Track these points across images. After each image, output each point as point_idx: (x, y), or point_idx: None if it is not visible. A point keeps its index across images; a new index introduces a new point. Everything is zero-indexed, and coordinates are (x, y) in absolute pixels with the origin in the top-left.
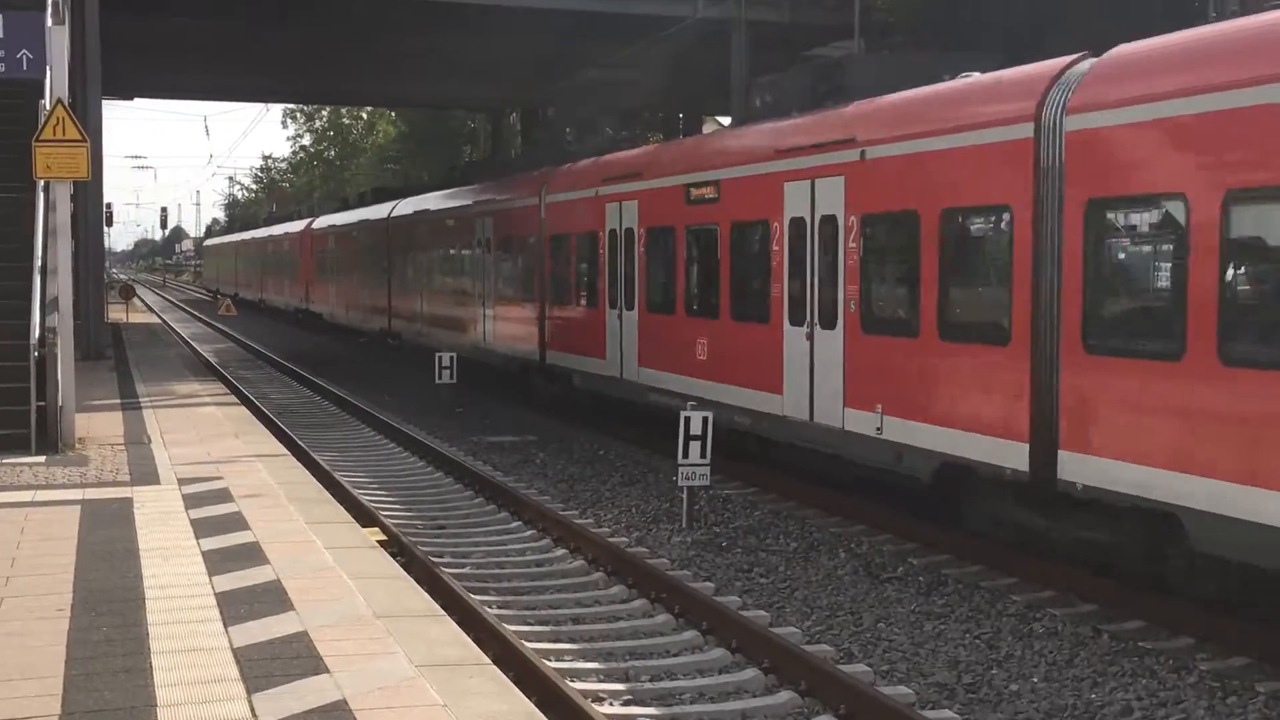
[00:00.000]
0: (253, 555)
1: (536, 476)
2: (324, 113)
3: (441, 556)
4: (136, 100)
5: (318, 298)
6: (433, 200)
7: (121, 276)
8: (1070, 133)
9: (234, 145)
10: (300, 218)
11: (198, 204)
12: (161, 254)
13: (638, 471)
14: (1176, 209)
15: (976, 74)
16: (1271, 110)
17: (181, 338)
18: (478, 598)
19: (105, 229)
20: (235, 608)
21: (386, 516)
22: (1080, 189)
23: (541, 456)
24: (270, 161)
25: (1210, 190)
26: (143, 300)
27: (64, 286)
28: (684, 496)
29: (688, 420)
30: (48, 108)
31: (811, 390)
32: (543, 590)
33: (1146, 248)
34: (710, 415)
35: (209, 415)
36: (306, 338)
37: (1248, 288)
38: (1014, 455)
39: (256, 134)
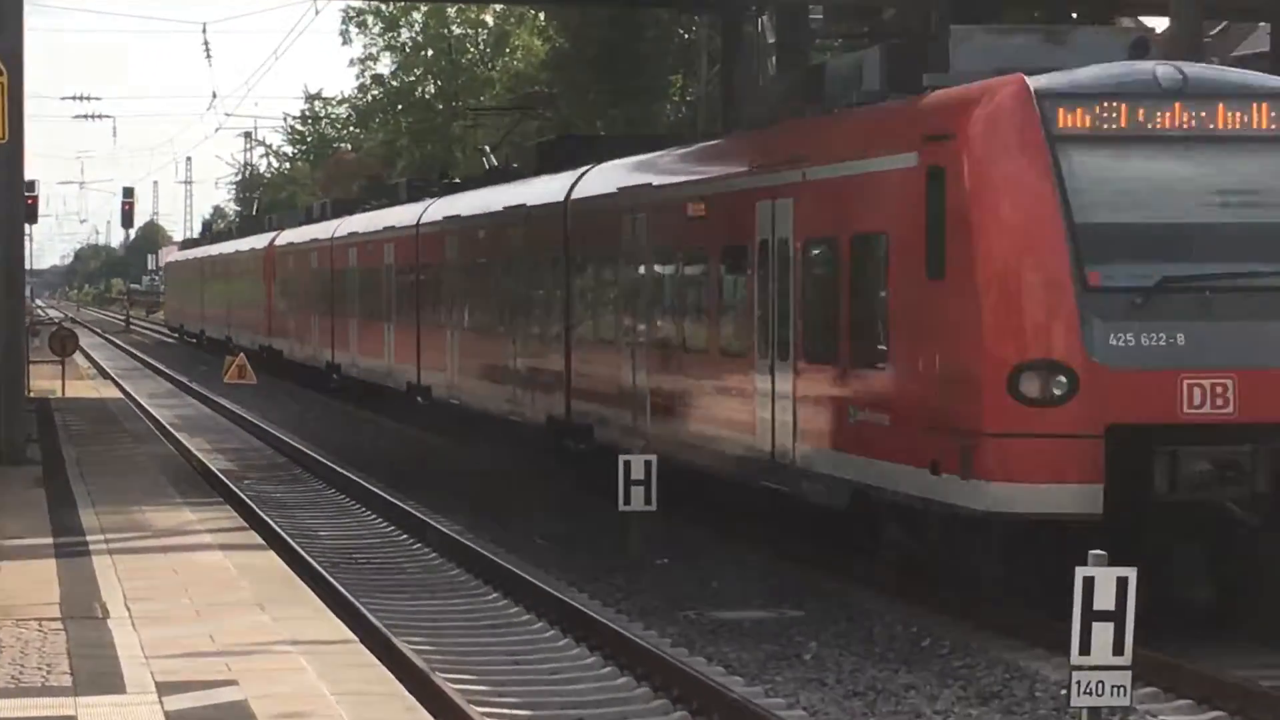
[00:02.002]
0: None
1: (811, 688)
2: (416, 14)
3: None
4: None
5: (342, 345)
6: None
7: (53, 313)
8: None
9: (255, 76)
10: (378, 205)
11: (188, 182)
12: (122, 271)
13: (996, 679)
14: None
15: None
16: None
17: (159, 424)
18: None
19: (27, 230)
20: None
21: None
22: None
23: (814, 646)
24: (318, 104)
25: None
26: (89, 357)
27: None
28: None
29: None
30: None
31: None
32: None
33: None
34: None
35: (212, 568)
36: (376, 424)
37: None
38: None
39: (295, 56)
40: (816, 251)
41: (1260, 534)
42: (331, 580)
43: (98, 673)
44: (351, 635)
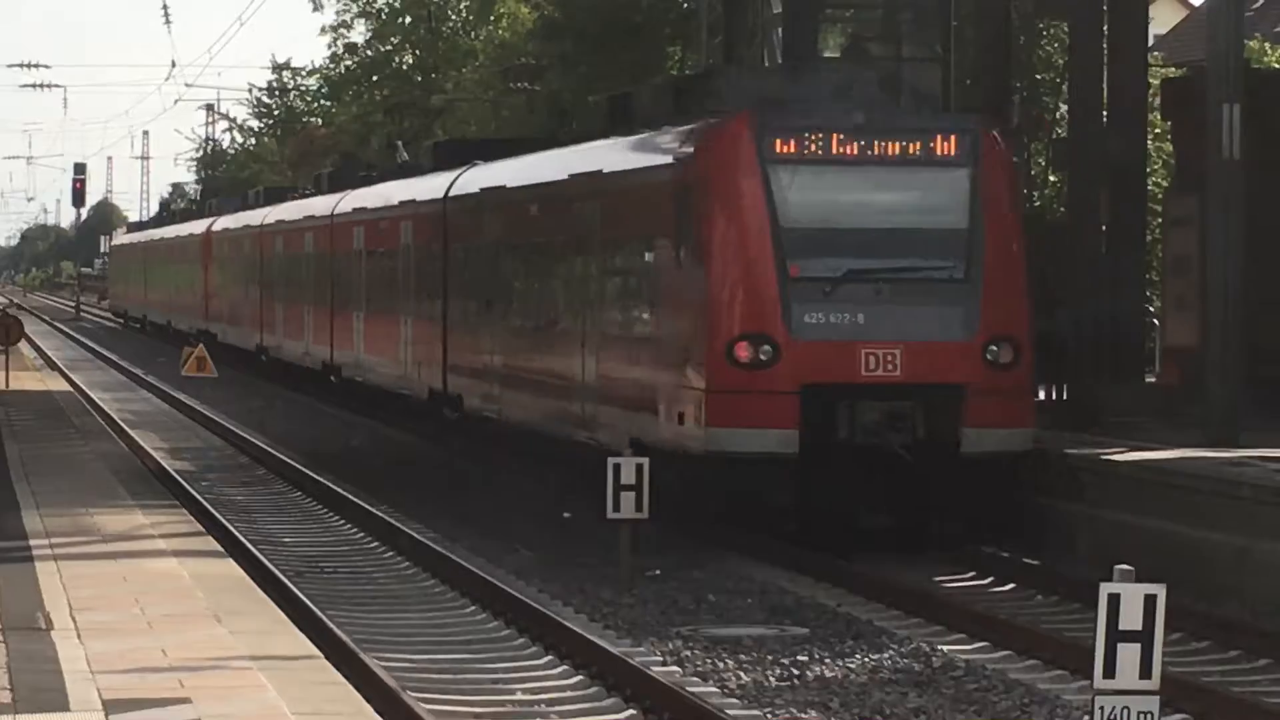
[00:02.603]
0: None
1: (814, 711)
2: None
3: None
4: None
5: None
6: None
7: None
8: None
9: (218, 44)
10: (305, 194)
11: (144, 157)
12: (73, 254)
13: (1013, 704)
14: None
15: None
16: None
17: (111, 419)
18: None
19: None
20: None
21: None
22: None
23: (819, 670)
24: (287, 76)
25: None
26: (36, 346)
27: None
28: None
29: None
30: None
31: None
32: None
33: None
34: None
35: (166, 576)
36: (332, 418)
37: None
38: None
39: (261, 22)
40: (614, 247)
41: (920, 471)
42: (294, 590)
43: (39, 688)
44: (316, 650)
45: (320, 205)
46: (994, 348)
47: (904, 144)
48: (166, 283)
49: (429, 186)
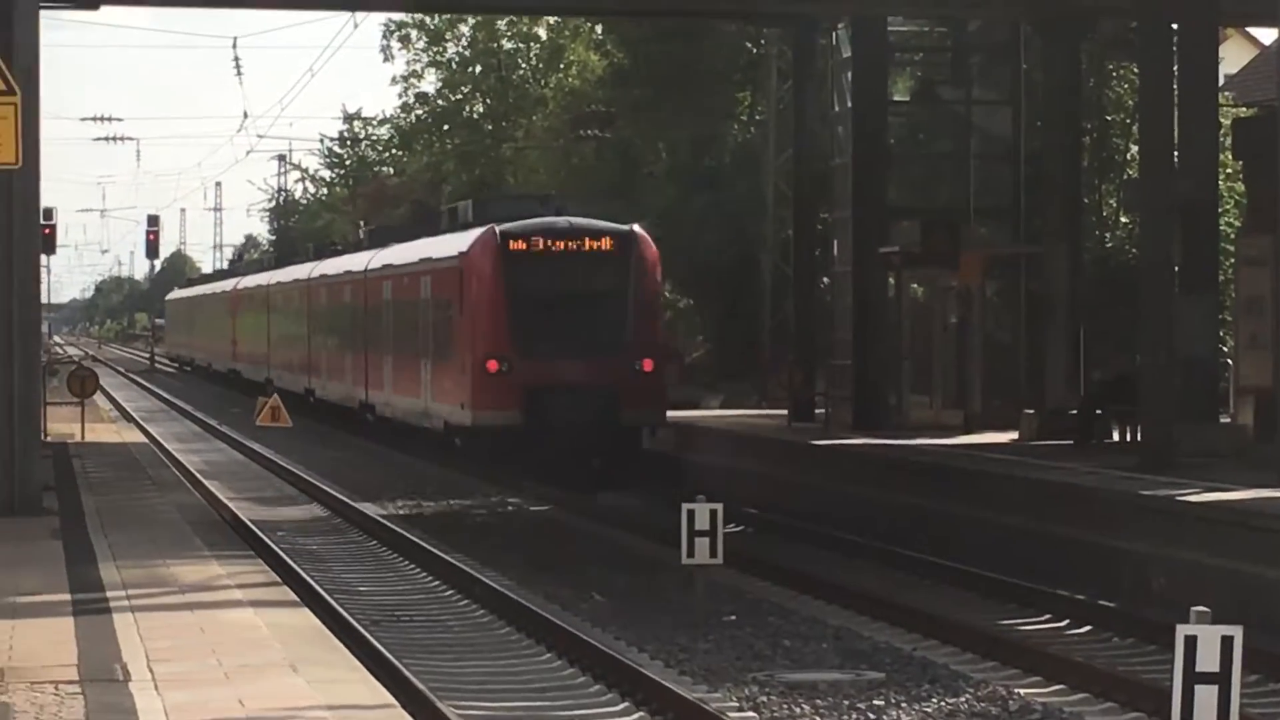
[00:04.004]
0: None
1: None
2: (464, 27)
3: None
4: (105, 9)
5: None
6: None
7: (72, 350)
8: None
9: (289, 95)
10: (299, 260)
11: (217, 209)
12: (147, 306)
13: None
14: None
15: None
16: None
17: (186, 471)
18: None
19: (44, 261)
20: None
21: None
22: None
23: (895, 715)
24: (358, 125)
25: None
26: (111, 398)
27: None
28: None
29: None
30: None
31: None
32: None
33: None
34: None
35: (242, 626)
36: (419, 467)
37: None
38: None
39: (332, 73)
40: (436, 304)
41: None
42: (371, 639)
43: None
44: (392, 699)
45: (299, 271)
46: (636, 364)
47: (586, 240)
48: (206, 330)
49: (352, 261)
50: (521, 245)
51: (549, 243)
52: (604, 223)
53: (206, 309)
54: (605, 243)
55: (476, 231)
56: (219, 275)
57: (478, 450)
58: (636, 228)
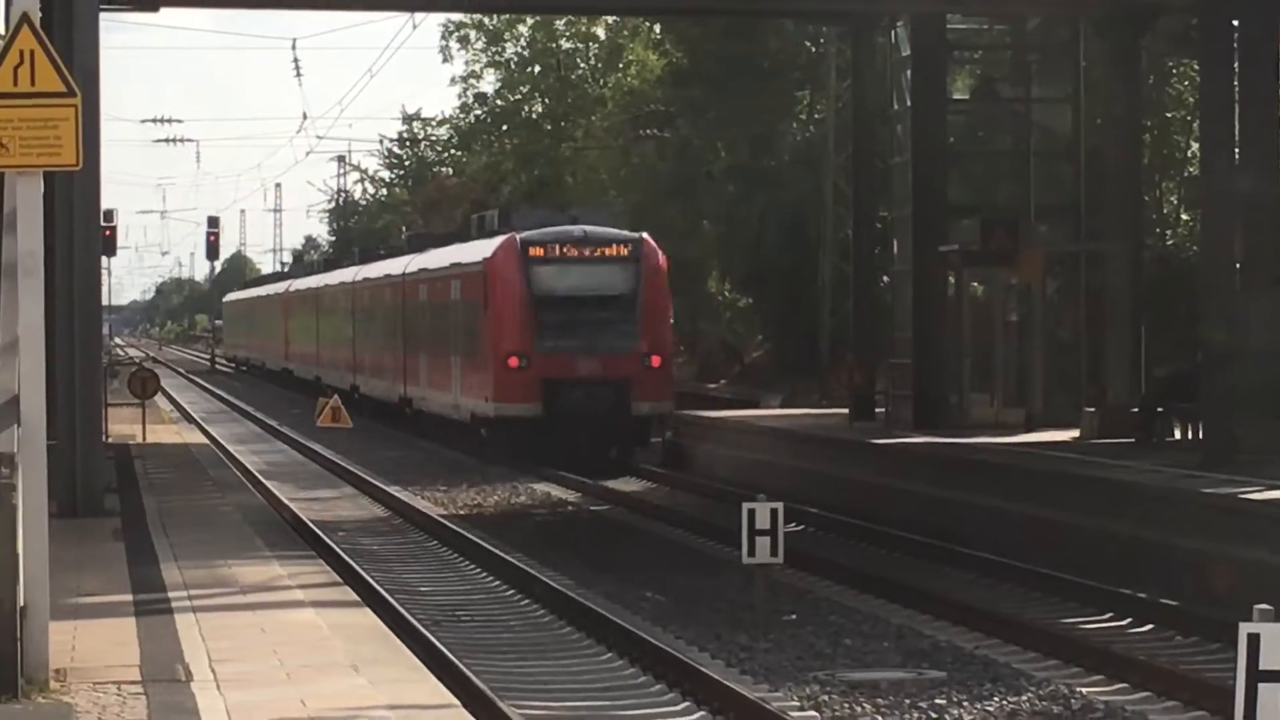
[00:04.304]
0: None
1: None
2: (522, 28)
3: None
4: (164, 11)
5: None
6: None
7: (133, 352)
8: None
9: (349, 96)
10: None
11: (277, 210)
12: (207, 307)
13: None
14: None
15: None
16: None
17: (247, 471)
18: None
19: (105, 263)
20: None
21: None
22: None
23: (958, 714)
24: (417, 126)
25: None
26: (172, 399)
27: (30, 377)
28: None
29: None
30: None
31: None
32: None
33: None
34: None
35: (304, 626)
36: (471, 464)
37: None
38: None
39: (391, 74)
40: (465, 305)
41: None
42: (432, 639)
43: None
44: (454, 699)
45: (336, 276)
46: (646, 359)
47: (600, 247)
48: (262, 331)
49: (390, 266)
50: (540, 251)
51: (566, 249)
52: (616, 230)
53: (261, 310)
54: (617, 249)
55: (500, 238)
56: (273, 278)
57: (501, 439)
58: (645, 236)
